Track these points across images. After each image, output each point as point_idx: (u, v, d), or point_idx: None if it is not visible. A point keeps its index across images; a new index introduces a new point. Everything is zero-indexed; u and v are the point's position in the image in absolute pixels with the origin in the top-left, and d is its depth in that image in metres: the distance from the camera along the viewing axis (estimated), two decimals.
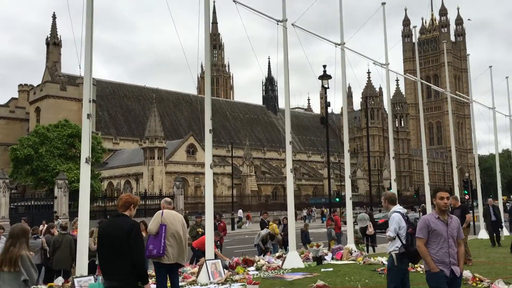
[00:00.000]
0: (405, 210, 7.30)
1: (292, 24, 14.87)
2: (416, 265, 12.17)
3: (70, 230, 12.29)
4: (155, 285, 7.54)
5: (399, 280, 6.87)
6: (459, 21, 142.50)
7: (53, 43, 66.87)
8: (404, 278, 6.95)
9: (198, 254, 12.63)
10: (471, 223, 18.31)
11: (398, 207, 7.10)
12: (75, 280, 7.75)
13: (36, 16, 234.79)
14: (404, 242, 6.70)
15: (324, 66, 20.48)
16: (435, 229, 5.41)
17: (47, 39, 67.26)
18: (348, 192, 15.22)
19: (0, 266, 4.83)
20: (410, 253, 6.66)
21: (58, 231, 11.39)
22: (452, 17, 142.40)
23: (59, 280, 9.26)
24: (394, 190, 18.24)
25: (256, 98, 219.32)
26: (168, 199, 7.73)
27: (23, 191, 47.51)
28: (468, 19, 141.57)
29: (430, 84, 56.17)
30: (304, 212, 54.39)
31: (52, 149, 42.70)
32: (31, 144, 42.33)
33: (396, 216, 6.91)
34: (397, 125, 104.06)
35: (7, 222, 29.27)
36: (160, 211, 7.33)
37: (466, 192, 29.47)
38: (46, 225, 17.69)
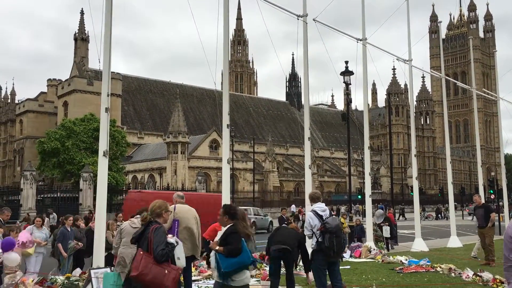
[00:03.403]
0: (324, 208, 7.41)
1: (314, 19, 14.72)
2: (436, 265, 11.97)
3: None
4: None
5: (323, 273, 7.26)
6: (488, 17, 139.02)
7: (81, 39, 68.12)
8: (331, 271, 7.32)
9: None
10: (496, 223, 17.86)
11: (316, 205, 7.40)
12: (92, 271, 7.87)
13: (55, 11, 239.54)
14: (319, 239, 7.08)
15: (346, 62, 20.27)
16: None
17: (75, 34, 68.53)
18: (368, 189, 15.05)
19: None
20: (323, 250, 7.04)
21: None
22: (481, 13, 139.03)
23: (77, 272, 9.44)
24: (416, 188, 17.95)
25: (277, 94, 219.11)
26: (180, 193, 7.64)
27: (50, 183, 48.64)
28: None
29: (455, 81, 54.84)
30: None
31: (78, 142, 43.62)
32: (58, 138, 43.31)
33: (308, 215, 7.42)
34: (422, 123, 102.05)
35: (33, 213, 29.99)
36: (173, 205, 7.20)
37: (492, 191, 28.79)
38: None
